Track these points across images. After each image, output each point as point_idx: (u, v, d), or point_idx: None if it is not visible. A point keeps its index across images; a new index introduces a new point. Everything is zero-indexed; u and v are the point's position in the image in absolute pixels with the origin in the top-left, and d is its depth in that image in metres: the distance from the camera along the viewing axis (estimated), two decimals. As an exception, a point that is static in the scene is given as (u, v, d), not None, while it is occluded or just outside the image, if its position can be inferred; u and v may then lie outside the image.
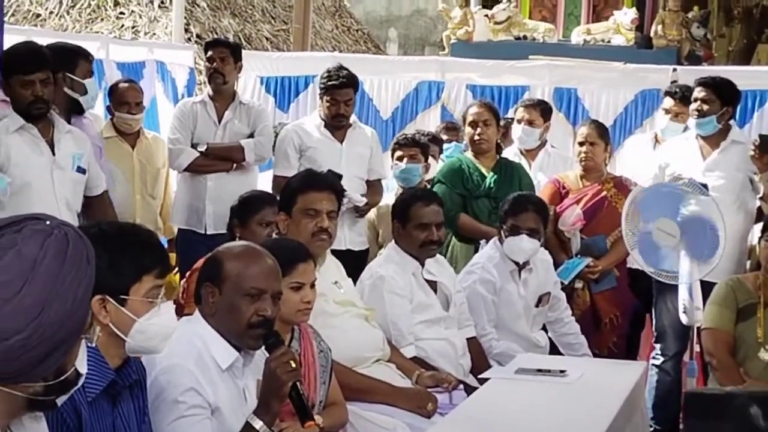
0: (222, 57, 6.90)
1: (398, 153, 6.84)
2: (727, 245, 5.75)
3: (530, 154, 7.11)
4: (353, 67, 7.22)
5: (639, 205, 5.59)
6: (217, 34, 12.42)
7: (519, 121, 7.03)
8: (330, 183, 4.79)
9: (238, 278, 3.41)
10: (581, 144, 6.58)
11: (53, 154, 5.43)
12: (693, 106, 6.28)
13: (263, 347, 3.44)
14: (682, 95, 6.93)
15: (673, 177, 5.89)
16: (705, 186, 5.73)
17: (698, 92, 6.27)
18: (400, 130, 9.11)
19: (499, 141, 6.74)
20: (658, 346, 6.30)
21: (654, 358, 6.32)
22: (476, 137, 6.54)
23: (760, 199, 6.22)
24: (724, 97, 6.24)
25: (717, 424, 2.48)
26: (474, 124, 6.56)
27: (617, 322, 6.43)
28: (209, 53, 6.95)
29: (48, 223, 1.97)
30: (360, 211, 6.65)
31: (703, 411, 2.55)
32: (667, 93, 7.08)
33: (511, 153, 7.08)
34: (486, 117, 6.56)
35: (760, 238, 5.45)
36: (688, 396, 2.59)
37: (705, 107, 6.22)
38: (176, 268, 6.67)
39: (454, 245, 6.51)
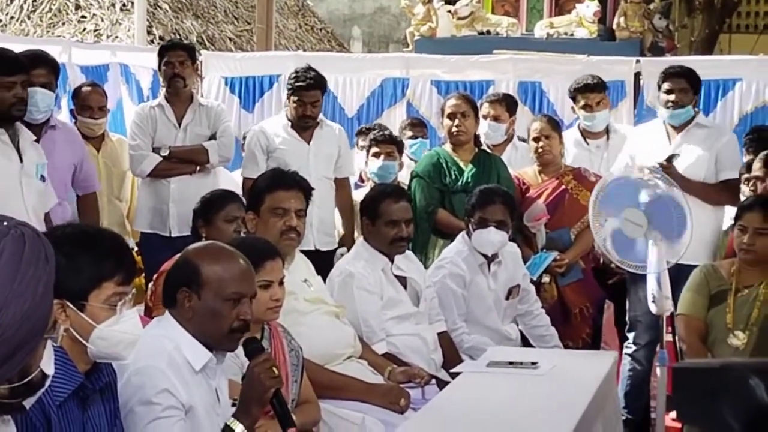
0: (181, 60, 6.85)
1: (374, 150, 6.82)
2: (698, 228, 5.81)
3: (497, 148, 7.11)
4: (318, 65, 7.20)
5: (602, 201, 5.60)
6: (179, 35, 12.36)
7: (484, 117, 7.01)
8: (297, 182, 4.79)
9: (218, 284, 3.38)
10: (536, 140, 6.55)
11: (21, 161, 5.39)
12: (668, 97, 6.28)
13: (244, 353, 3.45)
14: (593, 84, 6.98)
15: (639, 168, 5.90)
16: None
17: (674, 83, 6.28)
18: (366, 127, 9.10)
19: (477, 133, 6.72)
20: (631, 335, 6.32)
21: (627, 347, 6.35)
22: (454, 129, 6.51)
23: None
24: (695, 86, 6.30)
25: (711, 399, 2.39)
26: (452, 116, 6.53)
27: (588, 312, 6.42)
28: (166, 57, 6.87)
29: (5, 223, 1.95)
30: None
31: (694, 386, 2.45)
32: (577, 90, 7.02)
33: None
34: (464, 109, 6.53)
35: (732, 226, 5.48)
36: (677, 371, 2.52)
37: (682, 97, 6.24)
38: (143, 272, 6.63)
39: (435, 241, 6.48)
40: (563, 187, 6.51)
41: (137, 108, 7.36)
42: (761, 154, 6.09)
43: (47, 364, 2.06)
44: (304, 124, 6.67)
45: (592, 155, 7.00)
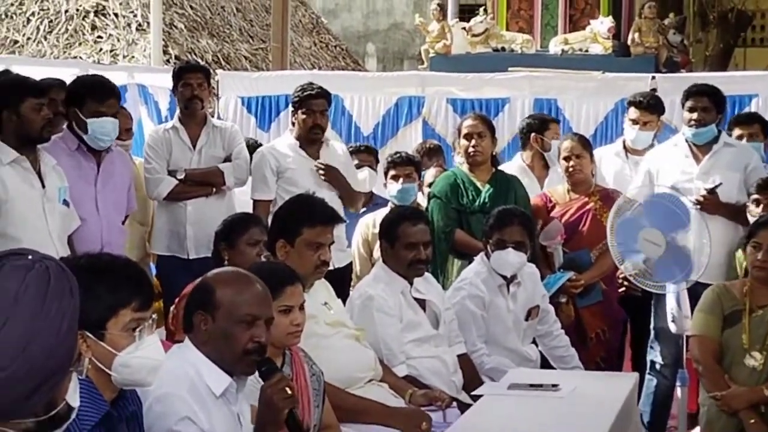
0: (199, 82, 6.83)
1: (392, 172, 6.79)
2: (723, 248, 5.82)
3: (541, 173, 7.12)
4: (333, 84, 7.23)
5: (617, 230, 5.60)
6: (195, 55, 12.42)
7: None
8: (334, 217, 4.83)
9: (231, 306, 3.40)
10: (567, 159, 6.54)
11: (43, 186, 5.40)
12: (690, 115, 6.28)
13: (259, 375, 3.43)
14: (647, 103, 6.95)
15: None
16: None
17: (697, 101, 6.28)
18: (381, 146, 9.10)
19: (494, 153, 6.72)
20: (658, 350, 6.28)
21: (654, 362, 6.30)
22: (471, 149, 6.53)
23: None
24: (719, 104, 6.29)
25: None
26: (469, 137, 6.55)
27: (604, 336, 6.41)
28: (184, 79, 6.85)
29: (29, 257, 1.97)
30: None
31: None
32: (631, 103, 7.01)
33: (515, 167, 7.08)
34: (481, 129, 6.55)
35: (745, 245, 5.46)
36: None
37: (705, 116, 6.23)
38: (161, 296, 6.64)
39: (452, 262, 6.47)
40: (588, 207, 6.50)
41: (151, 131, 7.33)
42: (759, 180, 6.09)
43: (72, 396, 2.07)
44: (313, 136, 6.65)
45: (626, 170, 6.95)
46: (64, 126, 5.99)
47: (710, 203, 6.14)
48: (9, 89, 5.37)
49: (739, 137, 6.86)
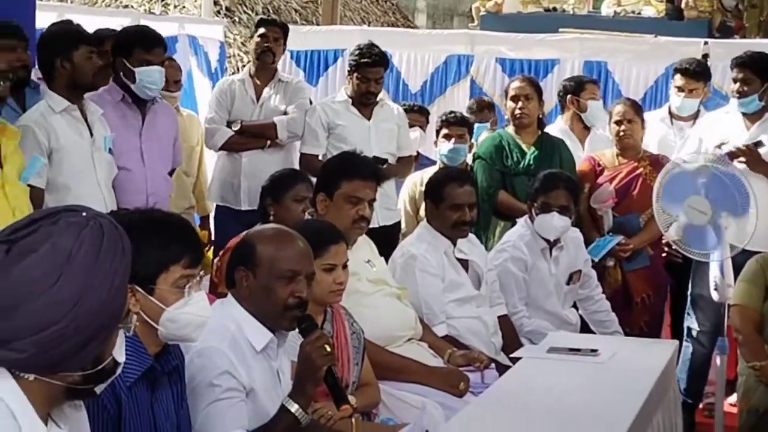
0: (276, 37, 6.94)
1: (445, 131, 6.80)
2: (765, 214, 5.78)
3: (581, 134, 7.06)
4: (383, 40, 7.21)
5: (664, 192, 5.57)
6: (246, 6, 12.42)
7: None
8: (375, 171, 4.80)
9: (272, 261, 3.43)
10: (618, 123, 6.51)
11: (91, 135, 5.44)
12: (734, 86, 6.24)
13: (298, 332, 3.46)
14: (693, 71, 6.89)
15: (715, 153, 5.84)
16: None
17: (736, 73, 6.22)
18: (429, 103, 9.10)
19: (541, 115, 6.70)
20: (694, 316, 6.27)
21: (690, 329, 6.30)
22: (517, 112, 6.54)
23: None
24: (763, 73, 6.19)
25: None
26: (516, 99, 6.56)
27: (649, 301, 6.40)
28: (263, 30, 6.94)
29: (84, 214, 2.00)
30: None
31: None
32: (677, 70, 6.97)
33: (556, 130, 7.01)
34: (528, 92, 6.56)
35: None
36: None
37: (745, 87, 6.18)
38: (209, 245, 6.70)
39: (495, 223, 6.48)
40: (638, 171, 6.48)
41: (220, 81, 7.47)
42: None
43: (119, 351, 2.12)
44: (365, 101, 6.67)
45: (671, 136, 6.92)
46: (111, 79, 6.02)
47: (751, 157, 6.07)
48: (61, 38, 5.40)
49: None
